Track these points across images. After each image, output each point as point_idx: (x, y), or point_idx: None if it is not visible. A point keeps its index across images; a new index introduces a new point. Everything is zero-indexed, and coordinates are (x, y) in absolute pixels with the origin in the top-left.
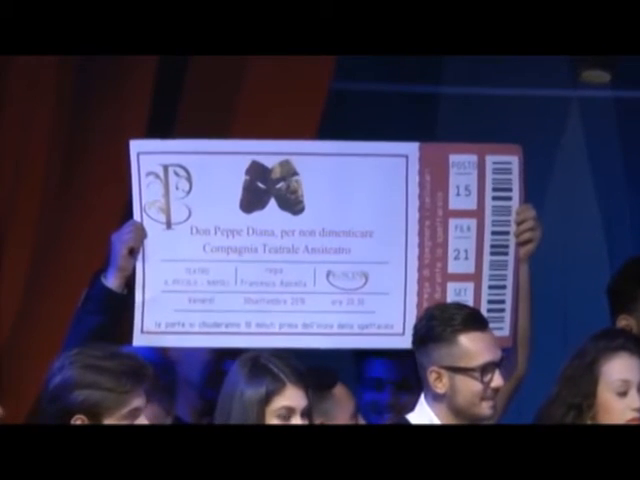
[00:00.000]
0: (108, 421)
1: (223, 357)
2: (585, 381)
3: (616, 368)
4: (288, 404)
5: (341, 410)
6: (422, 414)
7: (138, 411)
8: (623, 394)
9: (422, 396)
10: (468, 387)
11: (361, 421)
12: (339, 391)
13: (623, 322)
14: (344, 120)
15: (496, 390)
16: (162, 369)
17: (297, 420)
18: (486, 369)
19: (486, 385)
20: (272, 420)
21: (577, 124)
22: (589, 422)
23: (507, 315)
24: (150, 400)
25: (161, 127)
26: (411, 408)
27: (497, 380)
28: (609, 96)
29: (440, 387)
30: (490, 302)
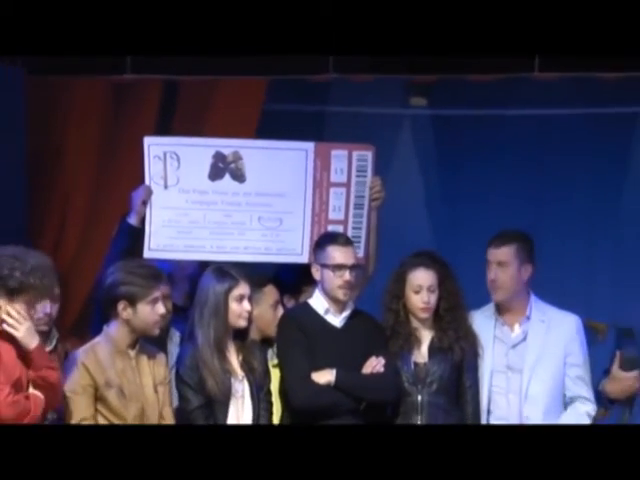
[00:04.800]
0: (140, 304)
1: (202, 266)
2: (400, 283)
3: (415, 277)
4: (241, 292)
5: (265, 300)
6: (317, 299)
7: (157, 299)
8: (418, 293)
9: (317, 287)
10: (330, 278)
11: (280, 309)
12: (268, 289)
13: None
14: (270, 129)
15: (347, 282)
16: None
17: (246, 302)
18: (339, 267)
19: (339, 278)
20: (232, 303)
21: (408, 131)
22: (402, 306)
23: (362, 244)
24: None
25: (164, 130)
26: (311, 295)
27: (346, 276)
28: (427, 113)
29: (318, 276)
30: (353, 237)
